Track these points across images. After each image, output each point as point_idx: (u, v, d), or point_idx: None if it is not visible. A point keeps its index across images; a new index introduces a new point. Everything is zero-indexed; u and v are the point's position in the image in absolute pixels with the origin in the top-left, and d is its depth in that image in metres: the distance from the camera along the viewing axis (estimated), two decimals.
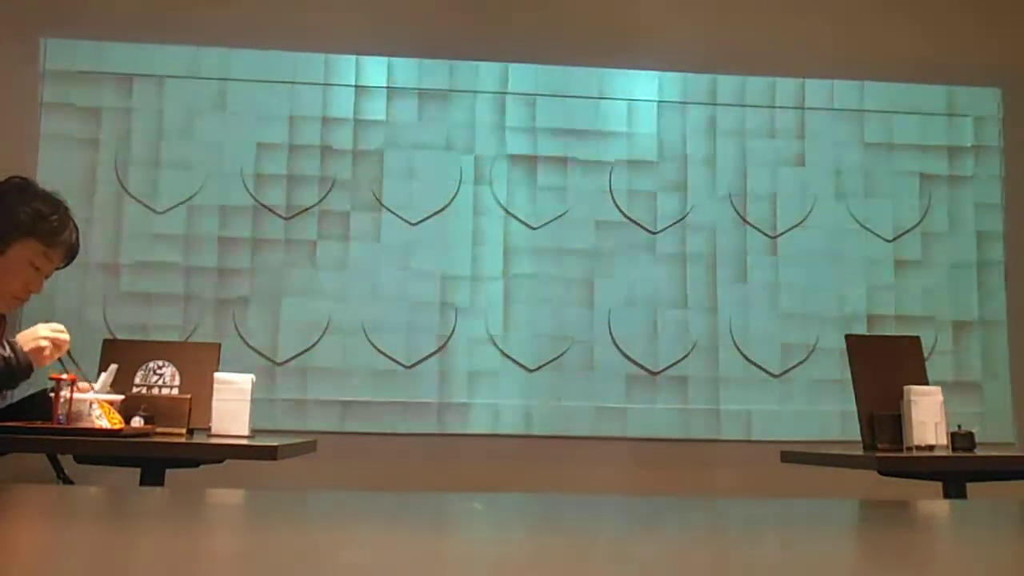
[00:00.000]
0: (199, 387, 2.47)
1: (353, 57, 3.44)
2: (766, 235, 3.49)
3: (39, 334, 2.33)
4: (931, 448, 2.44)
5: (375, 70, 3.44)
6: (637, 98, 3.51)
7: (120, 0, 3.40)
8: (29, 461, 2.63)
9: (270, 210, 3.35)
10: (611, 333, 3.38)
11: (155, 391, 2.51)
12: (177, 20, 3.38)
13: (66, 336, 2.37)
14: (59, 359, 2.35)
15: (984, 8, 3.68)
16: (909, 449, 2.45)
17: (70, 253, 2.62)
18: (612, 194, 3.45)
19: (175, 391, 2.51)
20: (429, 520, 1.08)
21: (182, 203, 3.33)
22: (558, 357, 3.35)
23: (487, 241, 3.40)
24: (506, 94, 3.47)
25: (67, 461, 2.67)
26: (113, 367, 2.36)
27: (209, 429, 2.38)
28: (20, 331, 2.41)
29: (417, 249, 3.37)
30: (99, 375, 2.46)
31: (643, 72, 3.52)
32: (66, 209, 2.59)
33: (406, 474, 3.19)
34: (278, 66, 3.40)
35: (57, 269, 2.64)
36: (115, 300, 3.25)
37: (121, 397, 2.30)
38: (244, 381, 2.41)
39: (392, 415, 3.26)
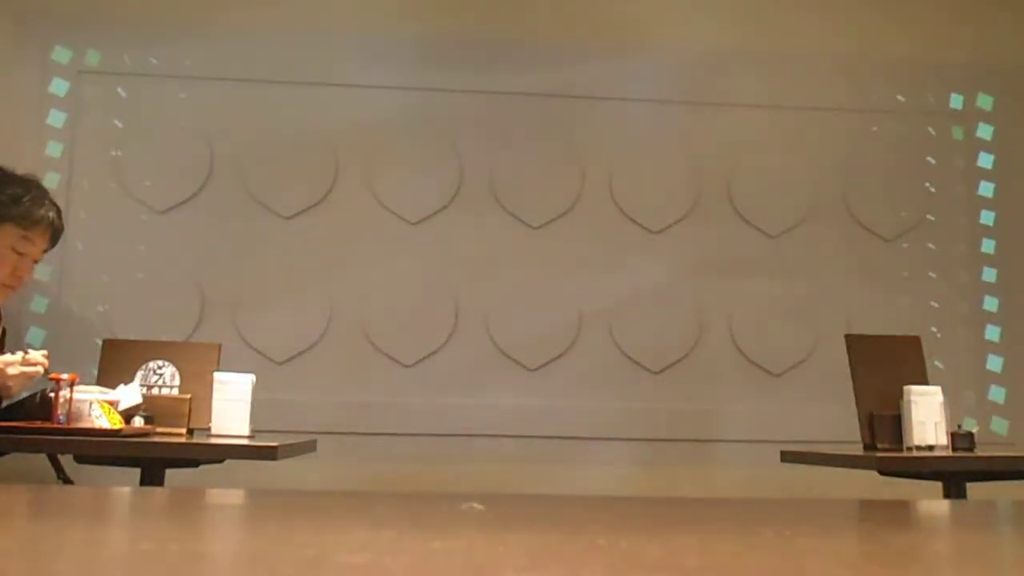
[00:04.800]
0: (199, 387, 2.47)
1: (353, 56, 3.44)
2: (766, 235, 3.49)
3: (8, 372, 2.24)
4: (931, 448, 2.44)
5: (375, 69, 3.44)
6: (637, 98, 3.51)
7: (125, 2, 3.40)
8: (29, 461, 2.63)
9: (270, 210, 3.35)
10: (611, 333, 3.38)
11: (155, 391, 2.51)
12: (180, 21, 3.38)
13: (39, 369, 2.28)
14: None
15: (979, 9, 3.68)
16: (909, 449, 2.45)
17: (52, 232, 2.58)
18: (612, 193, 3.45)
19: (175, 391, 2.51)
20: (429, 520, 1.08)
21: (182, 203, 3.33)
22: (558, 357, 3.35)
23: (487, 240, 3.40)
24: (506, 94, 3.47)
25: (67, 461, 2.67)
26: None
27: (209, 429, 2.38)
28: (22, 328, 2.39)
29: (417, 249, 3.37)
30: (99, 375, 2.46)
31: (643, 71, 3.51)
32: (40, 188, 2.56)
33: (406, 474, 3.19)
34: (279, 66, 3.40)
35: (45, 252, 2.61)
36: (115, 300, 3.25)
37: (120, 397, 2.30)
38: (244, 381, 2.41)
39: (392, 415, 3.26)
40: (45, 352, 2.32)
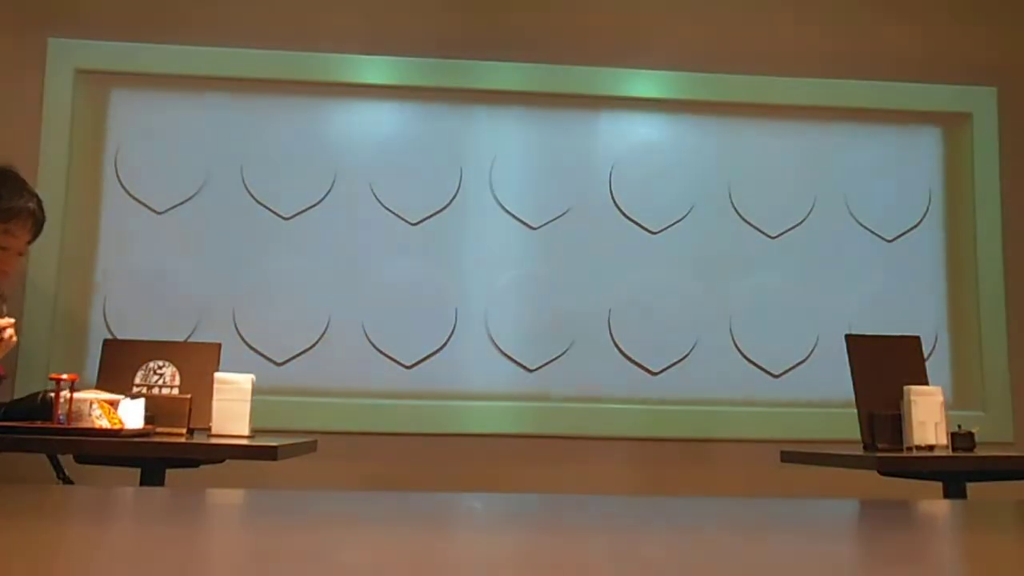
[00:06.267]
0: (199, 387, 2.47)
1: (353, 56, 3.44)
2: (766, 235, 3.49)
3: None
4: (931, 448, 2.44)
5: (375, 69, 3.44)
6: (637, 97, 3.50)
7: (125, 1, 3.40)
8: (29, 461, 2.63)
9: (270, 210, 3.35)
10: (611, 333, 3.38)
11: (155, 391, 2.51)
12: (180, 20, 3.38)
13: (10, 332, 2.26)
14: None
15: (979, 6, 3.68)
16: (909, 449, 2.45)
17: (34, 222, 2.53)
18: (612, 194, 3.45)
19: (175, 391, 2.51)
20: (429, 520, 1.08)
21: (182, 203, 3.33)
22: (558, 357, 3.35)
23: (487, 241, 3.40)
24: (506, 93, 3.47)
25: (67, 461, 2.67)
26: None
27: (209, 429, 2.38)
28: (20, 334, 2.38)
29: (417, 249, 3.37)
30: (99, 375, 2.46)
31: (643, 71, 3.51)
32: (17, 179, 2.51)
33: (406, 474, 3.19)
34: (279, 65, 3.40)
35: (29, 243, 2.57)
36: (115, 300, 3.25)
37: (121, 397, 2.30)
38: (244, 381, 2.41)
39: (392, 415, 3.26)
40: (12, 320, 2.29)
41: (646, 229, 3.45)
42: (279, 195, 3.36)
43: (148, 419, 2.32)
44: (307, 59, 3.41)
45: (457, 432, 3.26)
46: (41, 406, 2.32)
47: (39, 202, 2.55)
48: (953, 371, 3.45)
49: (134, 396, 2.40)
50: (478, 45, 3.48)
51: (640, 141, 3.50)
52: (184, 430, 2.41)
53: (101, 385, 2.45)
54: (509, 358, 3.34)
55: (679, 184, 3.48)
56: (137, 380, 2.52)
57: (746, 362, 3.41)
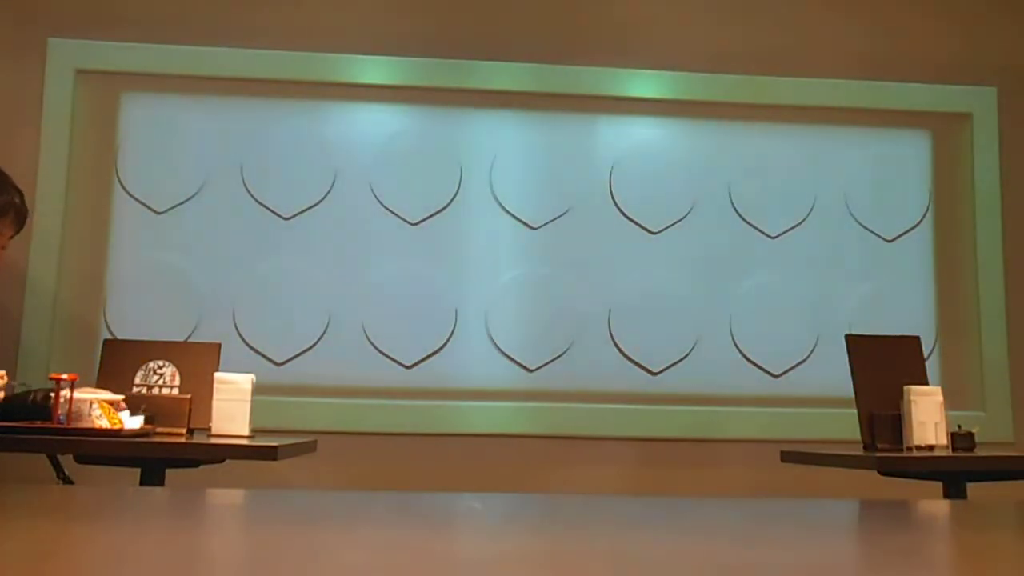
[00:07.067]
0: (199, 387, 2.46)
1: (353, 56, 3.44)
2: (766, 235, 3.49)
3: None
4: (931, 448, 2.44)
5: (375, 69, 3.44)
6: (637, 97, 3.50)
7: (124, 1, 3.40)
8: (29, 461, 2.63)
9: (270, 210, 3.35)
10: (611, 333, 3.38)
11: (155, 391, 2.50)
12: (180, 21, 3.39)
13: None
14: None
15: (979, 7, 3.68)
16: (909, 449, 2.45)
17: (18, 218, 2.54)
18: (612, 194, 3.45)
19: (175, 391, 2.51)
20: (429, 520, 1.08)
21: (182, 203, 3.33)
22: (558, 357, 3.35)
23: (487, 241, 3.40)
24: (506, 93, 3.47)
25: (67, 461, 2.67)
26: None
27: (209, 429, 2.38)
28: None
29: (417, 249, 3.37)
30: (99, 375, 2.46)
31: (643, 71, 3.51)
32: (0, 174, 2.52)
33: (406, 474, 3.19)
34: (279, 65, 3.40)
35: (11, 237, 2.58)
36: (115, 300, 3.25)
37: (121, 397, 2.30)
38: (244, 381, 2.41)
39: (392, 415, 3.26)
40: (2, 373, 2.27)
41: (646, 229, 3.45)
42: (279, 195, 3.36)
43: (148, 419, 2.32)
44: (307, 59, 3.41)
45: (457, 432, 3.26)
46: (32, 407, 2.31)
47: (22, 196, 2.56)
48: (953, 371, 3.45)
49: (134, 396, 2.40)
50: (478, 45, 3.48)
51: (640, 141, 3.50)
52: (184, 430, 2.40)
53: (101, 385, 2.45)
54: (509, 358, 3.34)
55: (679, 184, 3.48)
56: (137, 380, 2.52)
57: (746, 362, 3.41)
